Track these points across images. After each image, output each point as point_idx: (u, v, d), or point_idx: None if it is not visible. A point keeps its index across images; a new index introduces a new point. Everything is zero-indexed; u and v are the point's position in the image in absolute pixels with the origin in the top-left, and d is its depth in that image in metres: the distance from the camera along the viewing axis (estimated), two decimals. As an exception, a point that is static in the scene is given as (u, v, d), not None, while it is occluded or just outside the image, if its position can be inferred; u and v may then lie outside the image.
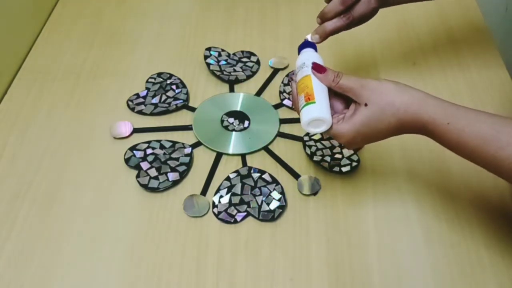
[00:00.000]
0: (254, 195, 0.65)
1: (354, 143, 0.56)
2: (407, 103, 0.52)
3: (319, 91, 0.57)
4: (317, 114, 0.55)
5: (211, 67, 0.82)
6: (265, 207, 0.64)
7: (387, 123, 0.53)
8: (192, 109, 0.77)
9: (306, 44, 0.64)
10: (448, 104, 0.53)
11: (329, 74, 0.57)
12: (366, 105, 0.53)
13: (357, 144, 0.57)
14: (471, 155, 0.51)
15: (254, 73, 0.83)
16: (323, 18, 0.66)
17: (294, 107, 0.60)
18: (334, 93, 0.58)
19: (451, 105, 0.53)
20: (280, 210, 0.64)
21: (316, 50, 0.63)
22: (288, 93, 0.79)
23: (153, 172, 0.67)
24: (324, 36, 0.66)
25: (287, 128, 0.74)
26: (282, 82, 0.81)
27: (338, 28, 0.66)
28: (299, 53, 0.63)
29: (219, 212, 0.64)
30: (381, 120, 0.53)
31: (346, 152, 0.70)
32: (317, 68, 0.58)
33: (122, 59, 0.85)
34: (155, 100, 0.78)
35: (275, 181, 0.67)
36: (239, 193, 0.66)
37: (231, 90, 0.80)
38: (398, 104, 0.53)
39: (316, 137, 0.72)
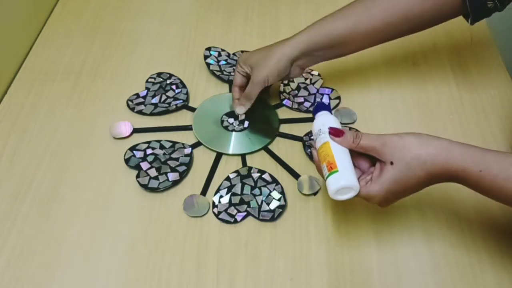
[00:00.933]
0: (254, 195, 0.65)
1: (387, 202, 0.56)
2: (433, 155, 0.51)
3: (341, 157, 0.55)
4: (343, 183, 0.54)
5: (211, 67, 0.82)
6: (265, 207, 0.64)
7: (416, 178, 0.52)
8: (192, 109, 0.77)
9: (320, 107, 0.62)
10: (475, 149, 0.52)
11: (347, 136, 0.56)
12: (392, 163, 0.52)
13: (390, 202, 0.56)
14: (508, 199, 0.51)
15: (254, 73, 0.83)
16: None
17: (320, 174, 0.59)
18: (357, 152, 0.57)
19: (478, 150, 0.52)
20: (280, 210, 0.64)
21: (331, 112, 0.62)
22: (288, 93, 0.79)
23: (153, 172, 0.67)
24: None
25: (286, 128, 0.74)
26: (282, 83, 0.81)
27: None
28: (314, 117, 0.62)
29: (219, 212, 0.64)
30: (409, 176, 0.52)
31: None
32: (335, 133, 0.57)
33: (122, 59, 0.85)
34: (155, 100, 0.78)
35: (275, 181, 0.67)
36: (239, 193, 0.66)
37: (231, 90, 0.80)
38: (424, 157, 0.52)
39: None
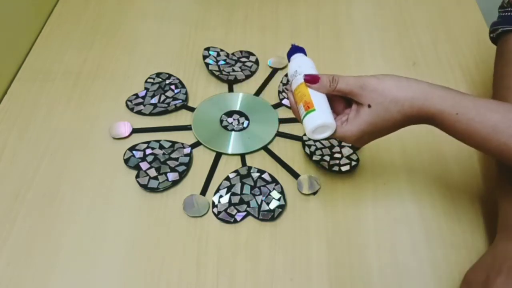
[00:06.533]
0: (254, 195, 0.65)
1: (362, 142, 0.56)
2: (411, 98, 0.52)
3: (317, 96, 0.56)
4: (320, 121, 0.54)
5: (210, 67, 0.82)
6: (264, 207, 0.64)
7: (393, 120, 0.53)
8: (191, 109, 0.77)
9: (294, 50, 0.62)
10: (455, 93, 0.52)
11: (324, 81, 0.55)
12: (369, 106, 0.53)
13: (365, 142, 0.57)
14: (482, 144, 0.51)
15: (253, 73, 0.83)
16: None
17: (296, 117, 0.59)
18: (332, 94, 0.57)
19: (458, 94, 0.52)
20: (280, 210, 0.64)
21: (305, 53, 0.62)
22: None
23: (152, 172, 0.67)
24: None
25: (286, 128, 0.74)
26: (281, 82, 0.81)
27: None
28: (288, 61, 0.62)
29: (219, 212, 0.64)
30: (386, 119, 0.53)
31: (346, 151, 0.70)
32: (310, 80, 0.56)
33: (122, 59, 0.85)
34: (154, 100, 0.78)
35: (274, 180, 0.67)
36: (239, 192, 0.66)
37: (230, 90, 0.80)
38: (402, 100, 0.52)
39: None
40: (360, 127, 0.53)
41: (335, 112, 0.57)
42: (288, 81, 0.80)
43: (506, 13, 0.67)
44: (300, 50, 0.62)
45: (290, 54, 0.62)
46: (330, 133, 0.55)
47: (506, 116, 0.49)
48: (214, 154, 0.71)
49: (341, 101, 0.57)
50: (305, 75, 0.57)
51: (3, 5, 0.81)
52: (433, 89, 0.52)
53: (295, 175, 0.68)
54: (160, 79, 0.81)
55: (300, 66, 0.59)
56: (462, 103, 0.51)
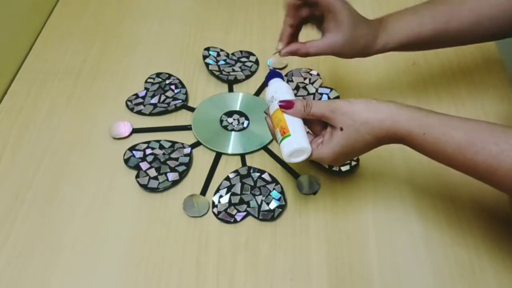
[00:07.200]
0: (254, 195, 0.65)
1: (338, 162, 0.58)
2: (381, 120, 0.54)
3: (293, 121, 0.57)
4: (295, 146, 0.56)
5: (210, 67, 0.82)
6: (264, 207, 0.64)
7: (364, 141, 0.55)
8: (191, 109, 0.77)
9: (272, 75, 0.64)
10: (421, 113, 0.54)
11: (298, 107, 0.57)
12: (341, 129, 0.55)
13: (340, 162, 0.59)
14: (450, 162, 0.53)
15: (253, 73, 0.83)
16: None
17: (275, 140, 0.60)
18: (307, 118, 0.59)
19: (425, 114, 0.54)
20: (280, 210, 0.64)
21: (283, 78, 0.64)
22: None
23: (152, 172, 0.67)
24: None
25: (286, 128, 0.74)
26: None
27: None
28: (267, 85, 0.63)
29: (219, 212, 0.64)
30: (358, 141, 0.55)
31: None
32: (285, 105, 0.58)
33: (122, 59, 0.85)
34: (154, 100, 0.78)
35: (274, 180, 0.67)
36: (239, 192, 0.66)
37: (230, 90, 0.80)
38: (371, 122, 0.54)
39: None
40: (334, 149, 0.56)
41: (314, 133, 0.59)
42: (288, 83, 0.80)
43: None
44: (278, 75, 0.64)
45: (268, 78, 0.64)
46: (306, 157, 0.57)
47: (468, 134, 0.51)
48: (214, 154, 0.71)
49: (318, 123, 0.59)
50: (280, 101, 0.59)
51: (3, 5, 0.81)
52: (401, 111, 0.54)
53: (295, 175, 0.68)
54: (160, 79, 0.81)
55: (277, 91, 0.61)
56: (428, 123, 0.53)
